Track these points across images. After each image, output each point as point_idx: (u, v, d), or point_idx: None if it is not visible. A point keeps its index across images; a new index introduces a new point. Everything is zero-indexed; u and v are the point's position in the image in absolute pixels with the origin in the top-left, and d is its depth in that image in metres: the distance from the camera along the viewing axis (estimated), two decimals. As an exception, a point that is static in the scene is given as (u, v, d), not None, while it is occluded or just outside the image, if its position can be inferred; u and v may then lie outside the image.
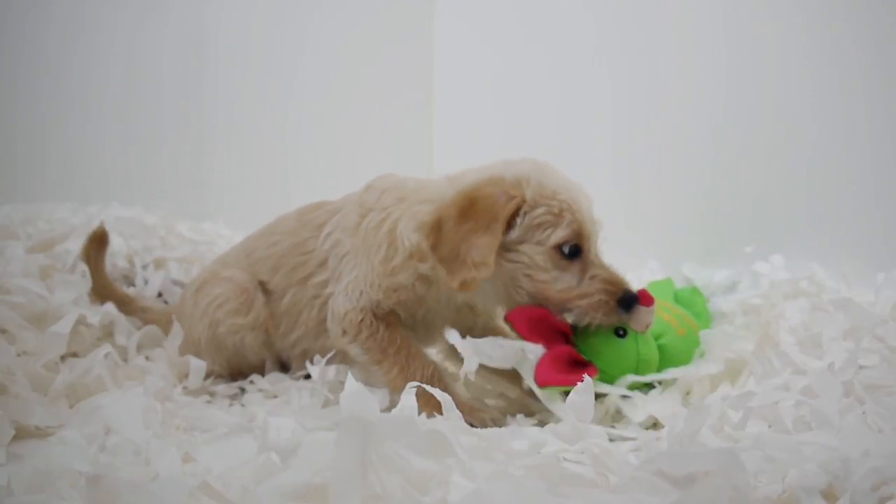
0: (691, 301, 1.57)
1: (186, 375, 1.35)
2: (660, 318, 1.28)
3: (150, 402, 1.09)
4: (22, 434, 0.98)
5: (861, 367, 1.08)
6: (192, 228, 2.21)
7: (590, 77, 2.70)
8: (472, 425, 1.05)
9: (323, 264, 1.34)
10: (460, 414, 0.90)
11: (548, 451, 0.83)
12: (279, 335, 1.41)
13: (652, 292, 1.20)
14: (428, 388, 0.92)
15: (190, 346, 1.43)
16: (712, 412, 0.93)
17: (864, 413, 0.90)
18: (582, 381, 1.00)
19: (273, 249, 1.42)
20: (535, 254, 1.16)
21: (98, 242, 1.60)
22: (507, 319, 1.21)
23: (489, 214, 1.13)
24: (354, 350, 1.25)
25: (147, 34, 2.82)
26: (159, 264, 1.85)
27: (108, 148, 2.77)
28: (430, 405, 1.01)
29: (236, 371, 1.45)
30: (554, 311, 1.18)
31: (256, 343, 1.41)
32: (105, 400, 1.03)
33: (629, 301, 1.16)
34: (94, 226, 1.89)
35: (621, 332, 1.18)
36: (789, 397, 0.99)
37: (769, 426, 0.95)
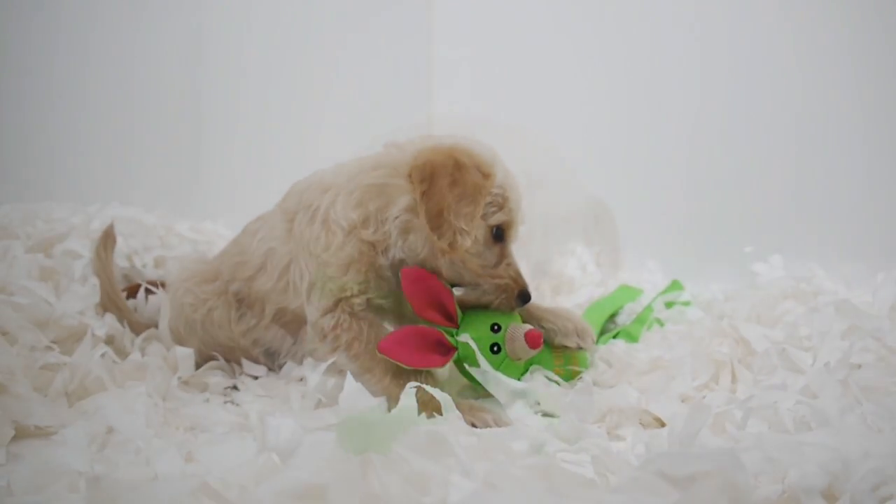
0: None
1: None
2: (549, 359, 1.31)
3: (151, 400, 1.08)
4: (22, 434, 0.98)
5: (858, 367, 1.08)
6: (192, 228, 2.20)
7: (590, 76, 2.69)
8: (473, 425, 1.05)
9: (262, 269, 1.37)
10: (460, 414, 0.90)
11: (548, 451, 0.83)
12: (234, 317, 1.43)
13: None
14: (428, 388, 0.92)
15: (172, 335, 1.47)
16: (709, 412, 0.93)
17: (863, 413, 0.91)
18: (417, 365, 1.13)
19: (225, 249, 1.51)
20: (478, 226, 1.21)
21: (107, 241, 1.61)
22: (402, 272, 1.22)
23: (475, 186, 1.18)
24: (340, 358, 1.22)
25: (144, 32, 2.82)
26: (159, 263, 1.84)
27: (107, 147, 2.76)
28: (429, 406, 1.01)
29: (210, 358, 1.46)
30: (466, 282, 1.25)
31: (224, 318, 1.42)
32: (106, 399, 1.03)
33: (526, 298, 1.26)
34: (93, 225, 1.89)
35: (496, 349, 1.22)
36: (789, 397, 0.99)
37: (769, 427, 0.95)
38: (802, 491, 0.69)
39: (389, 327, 1.32)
